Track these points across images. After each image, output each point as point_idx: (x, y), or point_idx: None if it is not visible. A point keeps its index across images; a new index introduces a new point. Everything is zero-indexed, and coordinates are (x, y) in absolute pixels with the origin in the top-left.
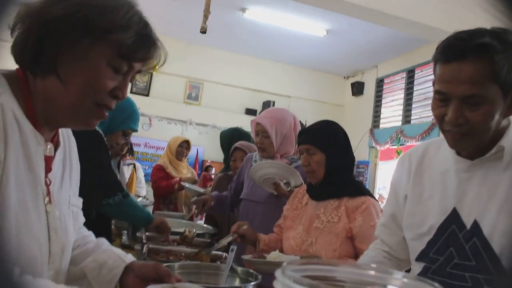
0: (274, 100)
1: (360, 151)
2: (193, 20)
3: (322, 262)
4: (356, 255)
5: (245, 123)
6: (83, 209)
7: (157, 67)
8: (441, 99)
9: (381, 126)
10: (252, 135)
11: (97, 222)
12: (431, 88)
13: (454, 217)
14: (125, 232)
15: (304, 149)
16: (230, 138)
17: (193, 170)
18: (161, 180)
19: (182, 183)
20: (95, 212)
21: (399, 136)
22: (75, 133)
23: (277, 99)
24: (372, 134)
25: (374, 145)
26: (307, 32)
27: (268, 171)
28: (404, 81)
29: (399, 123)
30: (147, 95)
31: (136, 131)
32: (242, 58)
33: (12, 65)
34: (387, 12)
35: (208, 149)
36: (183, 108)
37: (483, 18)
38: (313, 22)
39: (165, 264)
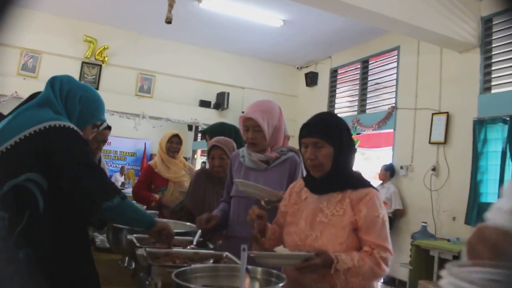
0: (229, 91)
1: None
2: (144, 10)
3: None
4: (360, 247)
5: (200, 116)
6: (85, 216)
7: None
8: None
9: None
10: (241, 131)
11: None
12: (386, 78)
13: None
14: (97, 235)
15: (310, 142)
16: (235, 134)
17: (191, 166)
18: (141, 190)
19: (163, 201)
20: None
21: (355, 125)
22: (53, 135)
23: (231, 90)
24: None
25: None
26: (264, 22)
27: (250, 191)
28: (359, 71)
29: (355, 113)
30: (97, 88)
31: (105, 121)
32: (195, 49)
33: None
34: (345, 1)
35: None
36: (135, 101)
37: (437, 8)
38: (270, 13)
39: (182, 268)
